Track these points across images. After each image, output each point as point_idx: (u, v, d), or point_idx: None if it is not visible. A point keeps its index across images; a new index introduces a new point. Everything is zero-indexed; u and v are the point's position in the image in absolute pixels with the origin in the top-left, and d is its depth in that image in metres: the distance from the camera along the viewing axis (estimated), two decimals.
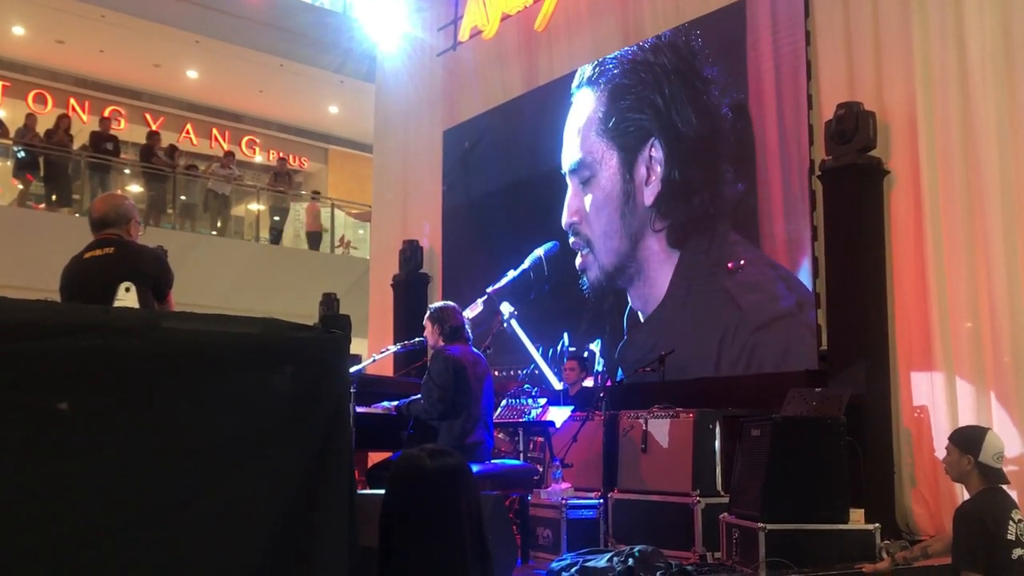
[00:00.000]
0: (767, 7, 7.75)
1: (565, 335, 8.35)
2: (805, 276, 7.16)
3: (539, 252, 9.45)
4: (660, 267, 8.33)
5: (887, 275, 6.65)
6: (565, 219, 9.29)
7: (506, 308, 8.51)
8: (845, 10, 7.13)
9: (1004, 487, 4.30)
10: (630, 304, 8.57)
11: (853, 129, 6.67)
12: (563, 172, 9.42)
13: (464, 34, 10.80)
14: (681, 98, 8.29)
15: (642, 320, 8.31)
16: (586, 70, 9.24)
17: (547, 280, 9.38)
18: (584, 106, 9.26)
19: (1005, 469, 4.37)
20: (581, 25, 9.61)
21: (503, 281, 9.12)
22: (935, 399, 6.31)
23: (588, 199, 9.10)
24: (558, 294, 9.25)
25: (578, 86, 9.36)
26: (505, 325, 8.52)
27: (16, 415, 1.98)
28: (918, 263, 6.50)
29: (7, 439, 1.96)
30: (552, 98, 9.63)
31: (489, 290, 8.10)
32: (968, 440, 4.35)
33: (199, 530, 2.10)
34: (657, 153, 8.45)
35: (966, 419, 5.95)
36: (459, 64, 11.16)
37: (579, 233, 9.15)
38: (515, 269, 9.41)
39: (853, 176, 6.72)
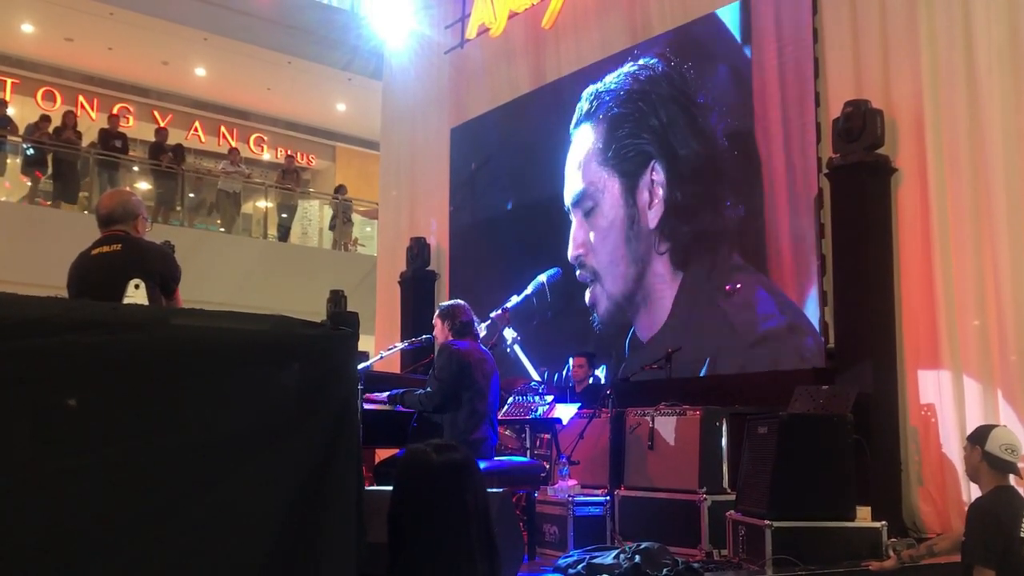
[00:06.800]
0: (771, 4, 7.77)
1: (570, 360, 8.41)
2: (813, 303, 7.11)
3: (542, 278, 9.46)
4: (665, 290, 8.35)
5: (894, 273, 6.64)
6: (571, 253, 9.29)
7: (509, 334, 8.52)
8: (852, 8, 7.12)
9: (1015, 486, 4.30)
10: (633, 327, 8.59)
11: (860, 127, 6.65)
12: (566, 208, 9.44)
13: (471, 32, 10.79)
14: (678, 121, 8.34)
15: (644, 343, 8.34)
16: (583, 106, 9.30)
17: (550, 307, 9.39)
18: (583, 142, 9.33)
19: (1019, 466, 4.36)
20: (588, 23, 9.61)
21: (499, 311, 9.16)
22: (942, 397, 6.30)
23: (593, 230, 9.11)
24: (562, 321, 9.25)
25: (576, 124, 9.41)
26: (508, 351, 8.54)
27: (25, 411, 1.99)
28: (925, 261, 6.49)
29: (16, 434, 1.97)
30: (558, 126, 9.64)
31: (492, 315, 8.13)
32: (978, 432, 4.39)
33: (206, 525, 2.10)
34: (658, 176, 8.48)
35: (973, 417, 5.95)
36: (466, 62, 11.17)
37: (585, 265, 9.15)
38: (518, 295, 9.42)
39: (860, 174, 6.71)
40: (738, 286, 7.70)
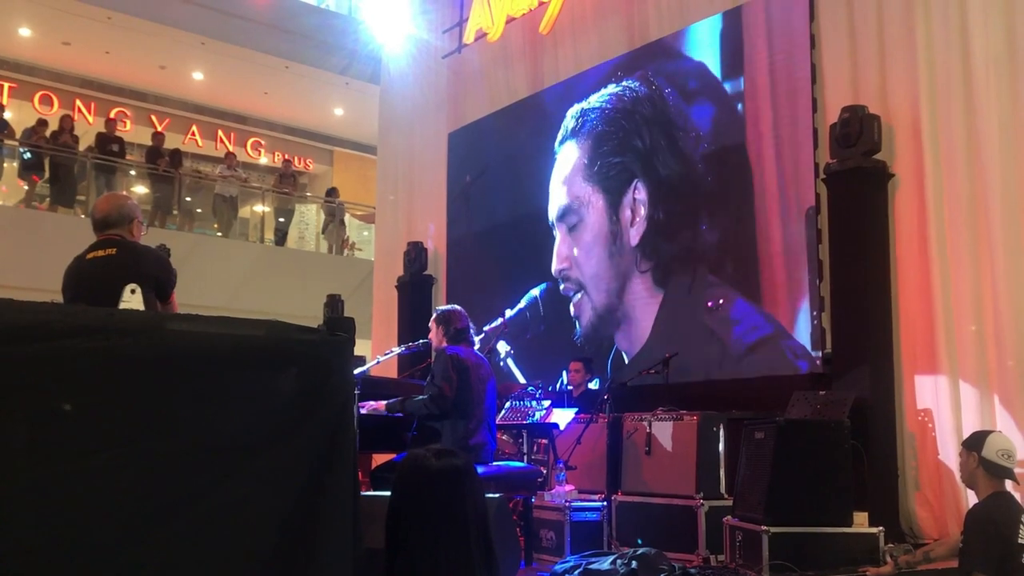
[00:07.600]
0: (764, 12, 7.77)
1: (564, 374, 8.42)
2: (806, 310, 7.12)
3: (535, 292, 9.47)
4: (645, 308, 8.38)
5: (891, 278, 6.64)
6: (555, 266, 9.31)
7: (502, 347, 8.49)
8: (850, 14, 7.12)
9: (1011, 492, 4.30)
10: (616, 346, 8.61)
11: (858, 132, 6.66)
12: (550, 223, 9.46)
13: (469, 36, 10.80)
14: (661, 141, 8.37)
15: (627, 362, 8.36)
16: (568, 123, 9.33)
17: (543, 320, 9.39)
18: (568, 158, 9.37)
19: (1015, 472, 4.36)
20: (586, 27, 9.61)
21: (499, 321, 9.14)
22: (939, 402, 6.30)
23: (577, 244, 9.12)
24: (554, 334, 9.24)
25: (561, 141, 9.44)
26: (502, 364, 8.52)
27: (21, 416, 1.98)
28: (922, 266, 6.49)
29: (12, 440, 1.97)
30: (556, 132, 9.64)
31: (487, 328, 8.12)
32: (974, 438, 4.38)
33: (202, 532, 2.10)
34: (641, 195, 8.52)
35: (970, 422, 5.95)
36: (464, 66, 11.17)
37: (569, 279, 9.16)
38: (511, 308, 9.42)
39: (858, 179, 6.72)
40: (720, 302, 7.72)
